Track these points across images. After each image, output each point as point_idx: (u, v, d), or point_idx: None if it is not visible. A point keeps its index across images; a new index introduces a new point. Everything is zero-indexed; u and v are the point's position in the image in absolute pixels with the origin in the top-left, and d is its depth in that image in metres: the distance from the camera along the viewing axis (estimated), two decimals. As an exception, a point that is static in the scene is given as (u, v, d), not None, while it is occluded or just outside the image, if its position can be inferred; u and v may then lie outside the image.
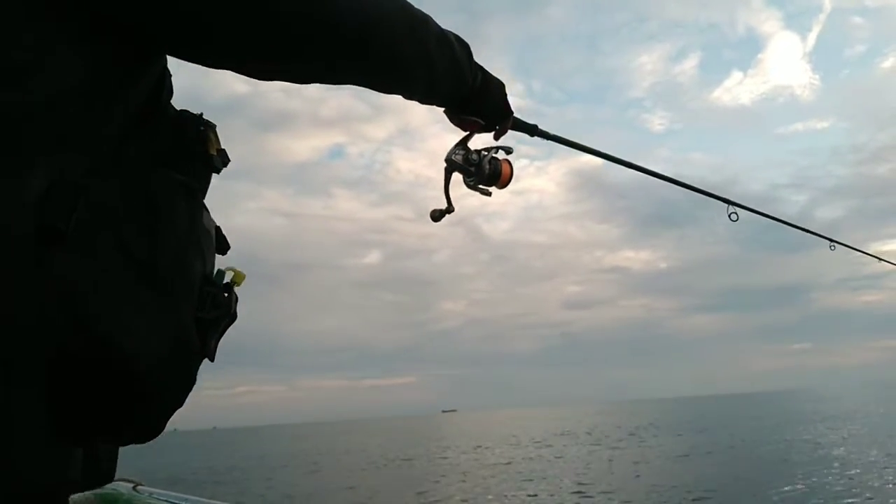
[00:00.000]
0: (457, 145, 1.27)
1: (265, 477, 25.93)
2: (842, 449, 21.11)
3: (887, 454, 18.68)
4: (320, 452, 42.56)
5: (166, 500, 1.47)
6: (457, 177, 1.29)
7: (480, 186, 1.30)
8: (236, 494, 19.99)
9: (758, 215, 2.12)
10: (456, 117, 1.25)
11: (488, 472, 21.47)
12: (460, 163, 1.26)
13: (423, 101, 1.13)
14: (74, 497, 1.40)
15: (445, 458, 29.75)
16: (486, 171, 1.29)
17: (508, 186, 1.35)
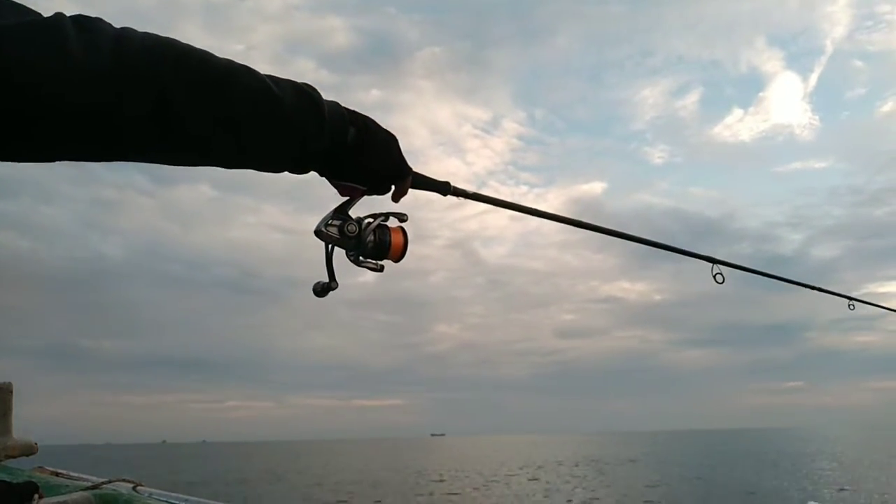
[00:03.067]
0: (332, 213, 1.09)
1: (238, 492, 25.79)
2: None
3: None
4: (298, 471, 42.18)
5: (166, 501, 1.47)
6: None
7: (365, 262, 1.13)
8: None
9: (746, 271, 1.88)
10: (332, 181, 1.09)
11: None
12: (334, 235, 1.08)
13: (258, 169, 0.98)
14: (74, 497, 1.62)
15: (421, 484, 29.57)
16: (370, 244, 1.11)
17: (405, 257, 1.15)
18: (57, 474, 1.76)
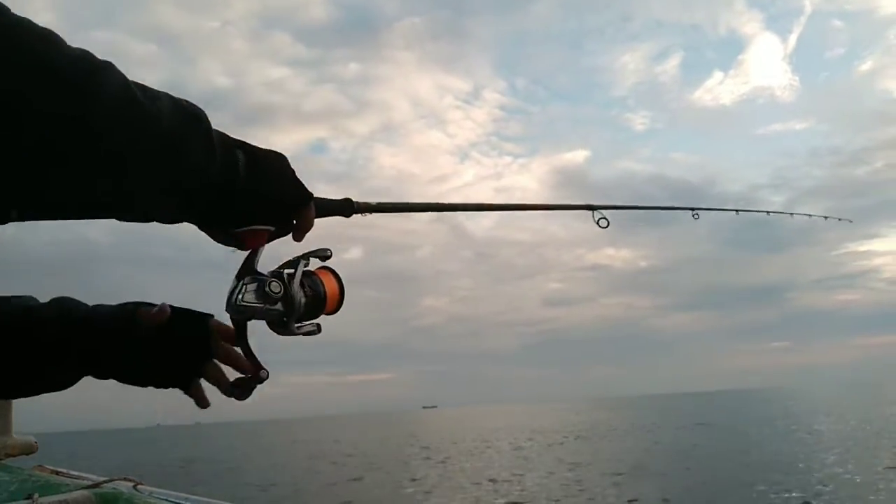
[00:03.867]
0: (242, 277, 0.82)
1: (238, 469, 26.00)
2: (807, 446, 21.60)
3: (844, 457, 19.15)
4: (300, 445, 42.57)
5: (166, 500, 1.45)
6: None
7: (302, 327, 0.86)
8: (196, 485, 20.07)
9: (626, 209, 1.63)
10: (220, 234, 0.83)
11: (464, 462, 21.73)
12: (256, 304, 0.81)
13: (110, 212, 0.70)
14: (74, 495, 1.62)
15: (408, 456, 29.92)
16: (301, 303, 0.84)
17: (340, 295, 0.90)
18: (57, 473, 1.76)
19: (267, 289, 0.81)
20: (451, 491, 16.45)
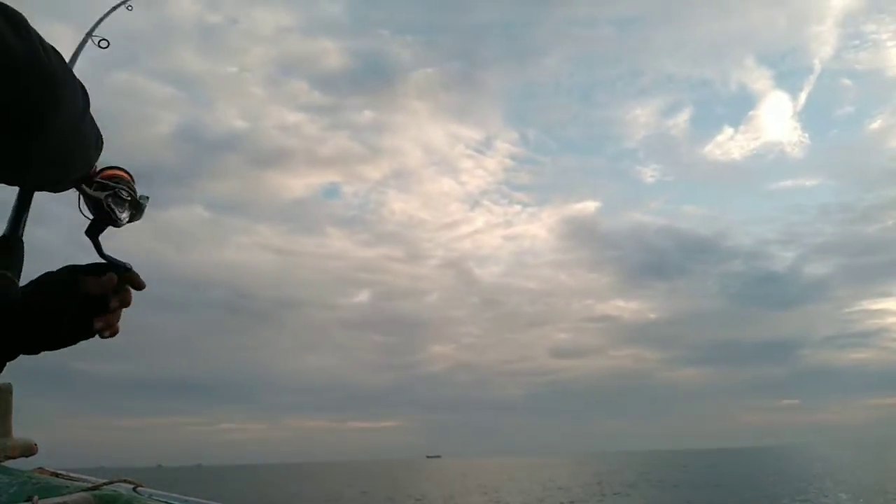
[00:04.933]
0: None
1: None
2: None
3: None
4: (299, 496, 41.79)
5: (165, 502, 1.45)
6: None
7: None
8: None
9: None
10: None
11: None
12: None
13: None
14: (74, 497, 1.61)
15: None
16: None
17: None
18: (57, 475, 1.75)
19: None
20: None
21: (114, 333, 1.13)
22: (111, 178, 1.15)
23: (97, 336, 1.11)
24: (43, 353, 1.07)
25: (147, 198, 1.19)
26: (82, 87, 0.87)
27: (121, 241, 1.16)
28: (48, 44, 0.77)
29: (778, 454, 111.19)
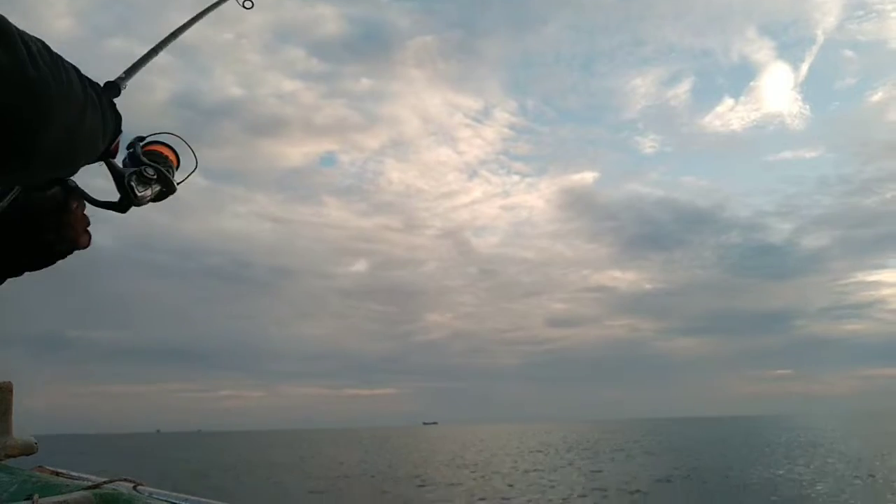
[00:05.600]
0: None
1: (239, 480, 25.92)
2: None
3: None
4: (295, 459, 42.36)
5: (166, 500, 1.46)
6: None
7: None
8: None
9: None
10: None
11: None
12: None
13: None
14: (74, 496, 1.62)
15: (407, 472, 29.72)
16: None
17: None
18: (57, 474, 1.75)
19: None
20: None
21: (85, 241, 1.15)
22: (149, 153, 1.18)
23: (75, 249, 1.14)
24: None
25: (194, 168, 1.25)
26: (81, 79, 0.88)
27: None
28: (39, 44, 0.77)
29: (771, 424, 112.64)
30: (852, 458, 29.84)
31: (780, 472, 23.41)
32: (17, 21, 0.74)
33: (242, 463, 41.02)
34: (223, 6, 1.61)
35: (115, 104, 1.03)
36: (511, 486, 21.46)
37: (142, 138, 1.19)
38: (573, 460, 33.69)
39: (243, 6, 1.72)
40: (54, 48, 0.83)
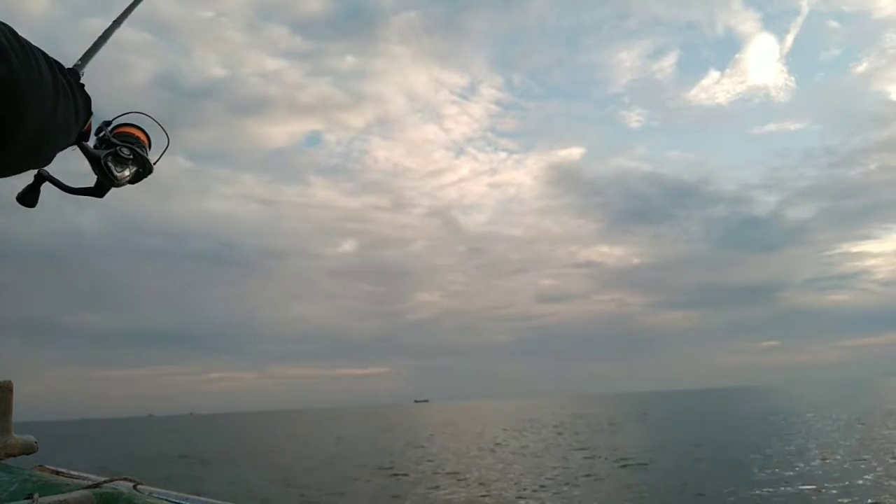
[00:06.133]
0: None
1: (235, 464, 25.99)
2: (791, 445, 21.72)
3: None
4: (288, 438, 42.55)
5: (166, 499, 1.46)
6: None
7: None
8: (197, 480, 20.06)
9: None
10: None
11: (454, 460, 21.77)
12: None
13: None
14: (74, 495, 1.64)
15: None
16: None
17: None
18: (57, 473, 1.77)
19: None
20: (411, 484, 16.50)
21: None
22: (120, 135, 1.18)
23: None
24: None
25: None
26: (50, 64, 0.87)
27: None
28: (8, 34, 0.77)
29: (759, 394, 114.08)
30: (841, 422, 30.47)
31: (773, 440, 23.76)
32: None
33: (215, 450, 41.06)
34: None
35: (83, 85, 1.02)
36: (483, 456, 21.68)
37: (108, 122, 1.19)
38: (561, 433, 34.06)
39: None
40: (29, 29, 0.82)
